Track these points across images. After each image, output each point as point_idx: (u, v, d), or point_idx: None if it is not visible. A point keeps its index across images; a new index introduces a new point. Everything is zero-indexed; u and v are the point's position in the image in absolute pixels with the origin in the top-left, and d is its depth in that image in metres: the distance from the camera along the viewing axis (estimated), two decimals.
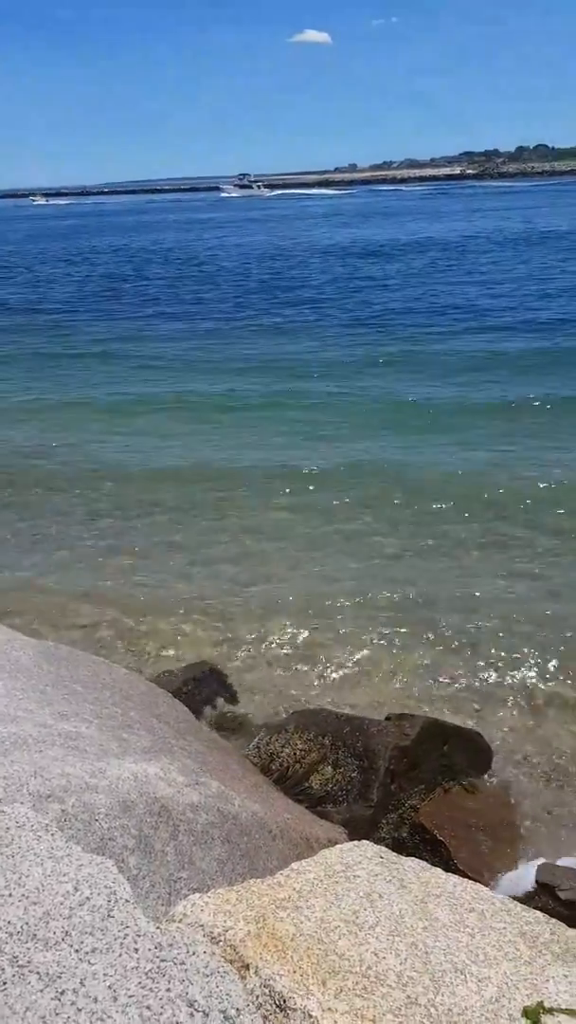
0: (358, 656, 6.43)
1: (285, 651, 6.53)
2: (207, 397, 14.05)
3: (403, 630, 6.75)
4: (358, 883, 2.22)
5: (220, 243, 49.44)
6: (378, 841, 4.12)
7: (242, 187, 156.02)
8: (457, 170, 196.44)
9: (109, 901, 1.74)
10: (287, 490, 9.55)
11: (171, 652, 6.54)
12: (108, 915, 1.71)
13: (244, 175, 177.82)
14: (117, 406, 13.75)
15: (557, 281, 26.04)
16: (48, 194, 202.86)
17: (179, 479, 10.13)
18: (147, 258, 41.48)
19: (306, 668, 6.31)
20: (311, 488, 9.63)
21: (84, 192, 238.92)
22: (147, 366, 16.73)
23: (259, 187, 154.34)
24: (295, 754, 4.80)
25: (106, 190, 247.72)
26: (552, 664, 6.27)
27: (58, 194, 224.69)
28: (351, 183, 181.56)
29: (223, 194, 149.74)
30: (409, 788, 4.74)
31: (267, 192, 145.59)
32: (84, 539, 8.54)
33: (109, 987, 1.55)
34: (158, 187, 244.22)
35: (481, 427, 11.53)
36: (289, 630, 6.81)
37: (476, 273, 29.15)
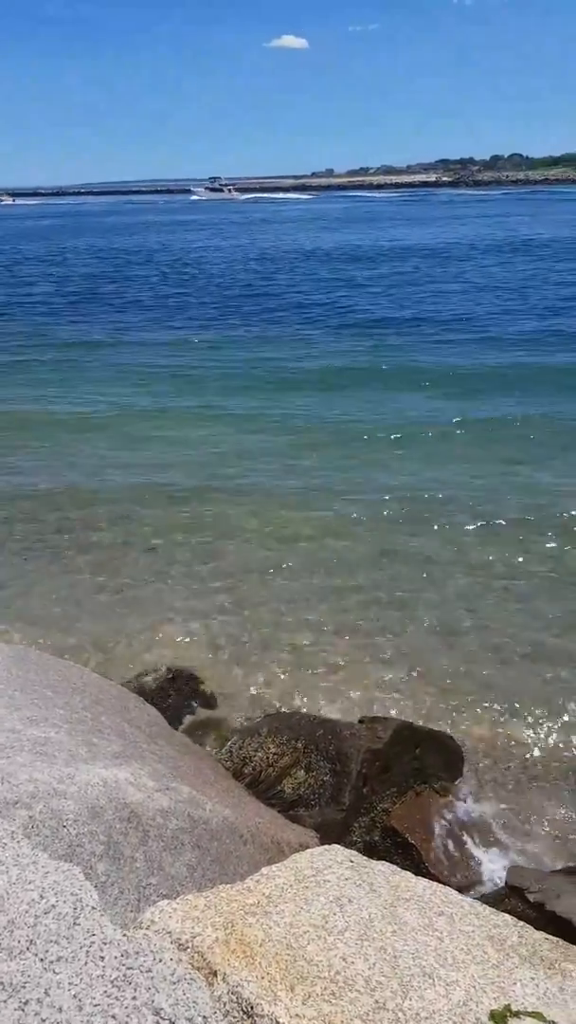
0: (332, 660, 6.43)
1: (258, 655, 6.52)
2: (186, 408, 13.72)
3: (378, 635, 6.77)
4: (328, 888, 2.22)
5: (203, 246, 49.22)
6: (350, 844, 4.13)
7: (213, 190, 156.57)
8: (433, 177, 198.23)
9: (75, 909, 1.72)
10: (263, 503, 9.47)
11: (144, 656, 6.49)
12: (74, 923, 1.69)
13: (215, 178, 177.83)
14: (93, 416, 13.38)
15: (542, 291, 26.06)
16: (16, 194, 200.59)
17: (152, 491, 9.98)
18: (127, 260, 41.09)
19: (280, 672, 6.30)
20: (287, 500, 9.57)
21: (59, 192, 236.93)
22: (126, 373, 16.35)
23: (230, 190, 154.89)
24: (268, 758, 4.78)
25: (82, 191, 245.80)
26: (523, 668, 6.33)
27: (34, 194, 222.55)
28: (327, 188, 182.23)
29: (193, 196, 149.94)
30: (381, 791, 4.75)
31: (239, 196, 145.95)
32: (57, 549, 8.43)
33: (74, 996, 1.53)
34: (132, 189, 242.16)
35: (464, 444, 11.38)
36: (263, 634, 6.80)
37: (461, 281, 29.12)
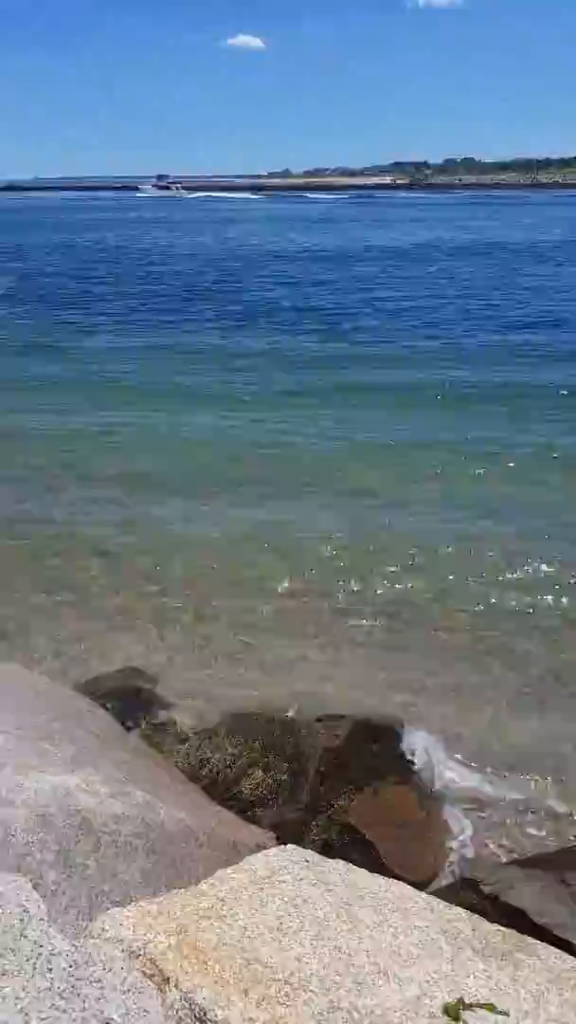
0: (289, 661, 6.42)
1: (215, 657, 6.48)
2: (148, 419, 13.01)
3: (335, 635, 6.79)
4: (283, 888, 2.21)
5: (169, 244, 48.36)
6: (308, 843, 4.13)
7: (161, 188, 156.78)
8: (388, 179, 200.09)
9: (22, 920, 1.67)
10: (221, 513, 9.36)
11: (98, 660, 6.38)
12: (21, 935, 1.64)
13: (163, 176, 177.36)
14: (48, 428, 12.55)
15: (515, 295, 26.05)
16: None
17: (106, 500, 9.70)
18: (92, 257, 39.90)
19: (237, 671, 6.27)
20: (247, 510, 9.42)
21: (10, 187, 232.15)
22: (86, 381, 15.50)
23: (178, 188, 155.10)
24: (225, 759, 4.77)
25: (35, 186, 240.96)
26: (480, 662, 6.42)
27: None
28: (282, 188, 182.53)
29: (140, 194, 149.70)
30: (339, 789, 4.77)
31: (186, 194, 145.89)
32: (9, 557, 8.20)
33: (20, 1011, 1.48)
34: (83, 184, 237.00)
35: (437, 463, 10.93)
36: (219, 637, 6.76)
37: (430, 284, 28.91)
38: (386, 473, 10.64)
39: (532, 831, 4.77)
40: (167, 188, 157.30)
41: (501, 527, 8.93)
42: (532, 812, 4.92)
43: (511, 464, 10.91)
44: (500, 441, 11.90)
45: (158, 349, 18.54)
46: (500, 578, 7.73)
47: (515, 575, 7.79)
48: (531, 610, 7.20)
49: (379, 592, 7.44)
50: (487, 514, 9.29)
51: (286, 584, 7.59)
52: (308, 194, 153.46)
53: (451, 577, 7.74)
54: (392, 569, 7.85)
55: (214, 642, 6.67)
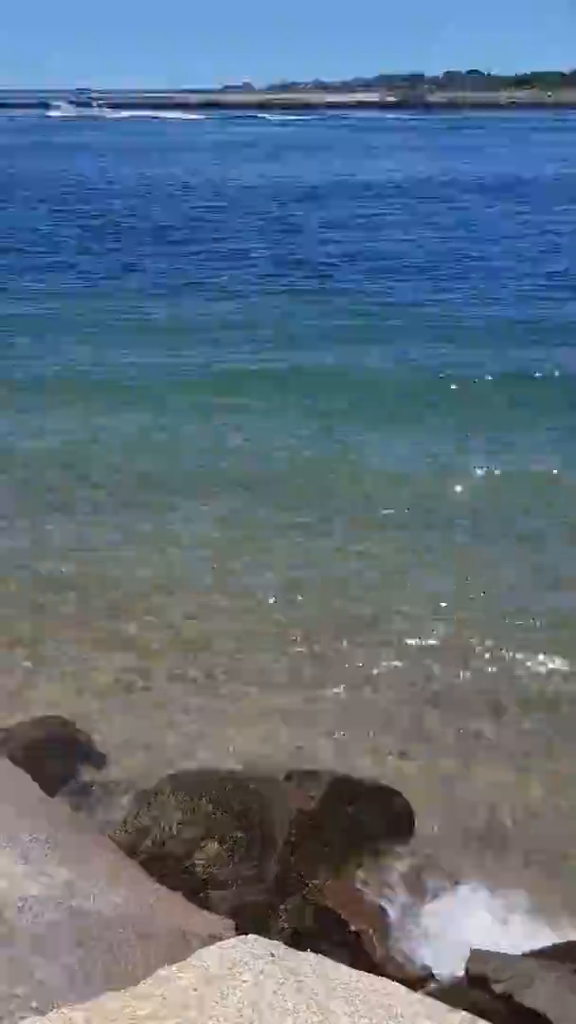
0: (247, 706, 6.45)
1: (157, 702, 6.49)
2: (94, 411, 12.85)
3: (303, 670, 6.86)
4: (244, 989, 2.24)
5: (116, 175, 47.87)
6: (275, 933, 4.17)
7: (79, 105, 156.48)
8: (375, 97, 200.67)
9: None
10: (164, 532, 9.40)
11: (13, 707, 6.34)
12: None
13: (83, 91, 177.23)
14: None
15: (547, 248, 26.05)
16: None
17: (37, 512, 9.81)
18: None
19: (184, 718, 6.30)
20: (191, 510, 9.65)
21: None
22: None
23: (100, 106, 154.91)
24: (170, 828, 4.77)
25: None
26: (476, 706, 6.52)
27: None
28: (235, 106, 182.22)
29: (51, 112, 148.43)
30: (314, 863, 4.80)
31: (110, 113, 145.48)
32: None
33: None
34: None
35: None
36: (162, 678, 6.77)
37: (442, 230, 28.76)
38: (378, 478, 10.83)
39: (551, 916, 4.84)
40: (87, 105, 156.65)
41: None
42: (552, 892, 5.00)
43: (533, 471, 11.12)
44: (515, 443, 12.07)
45: (140, 324, 18.37)
46: (499, 590, 7.92)
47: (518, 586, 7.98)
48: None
49: (349, 642, 7.41)
50: (494, 525, 9.52)
51: (240, 617, 7.64)
52: (266, 115, 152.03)
53: (451, 596, 7.88)
54: (387, 587, 8.01)
55: (156, 687, 6.67)
